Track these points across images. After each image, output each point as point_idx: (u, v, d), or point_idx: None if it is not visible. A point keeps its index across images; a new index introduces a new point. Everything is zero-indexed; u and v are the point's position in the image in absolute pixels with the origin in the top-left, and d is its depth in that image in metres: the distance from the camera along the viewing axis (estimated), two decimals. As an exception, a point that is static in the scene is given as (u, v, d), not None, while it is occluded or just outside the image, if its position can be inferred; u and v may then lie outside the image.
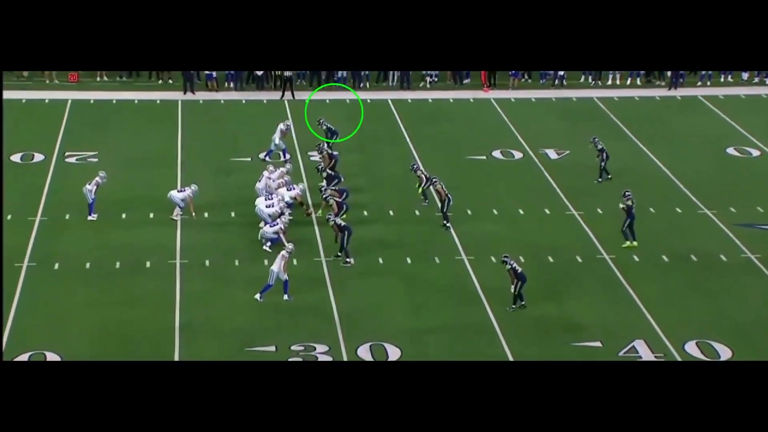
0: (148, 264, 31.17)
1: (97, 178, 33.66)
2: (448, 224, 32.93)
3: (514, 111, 44.05)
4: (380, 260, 31.75)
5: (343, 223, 31.26)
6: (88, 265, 31.08)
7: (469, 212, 34.79)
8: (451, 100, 45.10)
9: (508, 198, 35.91)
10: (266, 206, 32.59)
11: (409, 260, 31.81)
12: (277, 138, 37.34)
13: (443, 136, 41.08)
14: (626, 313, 29.23)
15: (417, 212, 34.71)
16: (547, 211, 35.14)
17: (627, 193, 32.52)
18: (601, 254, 32.12)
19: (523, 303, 28.73)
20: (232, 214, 34.37)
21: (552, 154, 39.69)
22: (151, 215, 34.12)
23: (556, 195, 36.37)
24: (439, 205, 33.19)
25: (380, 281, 30.50)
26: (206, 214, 34.23)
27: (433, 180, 33.72)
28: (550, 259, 31.87)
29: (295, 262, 30.75)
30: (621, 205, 32.37)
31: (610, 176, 36.92)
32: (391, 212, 34.66)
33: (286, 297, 28.93)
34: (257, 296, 29.06)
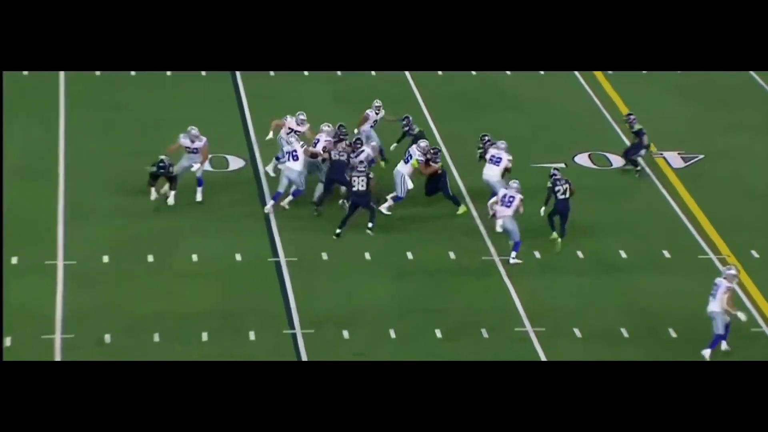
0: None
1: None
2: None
3: (614, 90, 40.91)
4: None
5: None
6: None
7: (537, 255, 31.82)
8: (509, 74, 41.31)
9: (601, 231, 33.09)
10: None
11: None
12: (368, 125, 37.10)
13: (495, 131, 36.52)
14: None
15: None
16: (667, 255, 32.27)
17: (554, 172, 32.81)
18: (759, 327, 29.20)
19: None
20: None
21: (675, 159, 37.07)
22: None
23: (683, 227, 33.56)
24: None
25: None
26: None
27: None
28: (673, 335, 28.81)
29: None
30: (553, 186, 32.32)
31: None
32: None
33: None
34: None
